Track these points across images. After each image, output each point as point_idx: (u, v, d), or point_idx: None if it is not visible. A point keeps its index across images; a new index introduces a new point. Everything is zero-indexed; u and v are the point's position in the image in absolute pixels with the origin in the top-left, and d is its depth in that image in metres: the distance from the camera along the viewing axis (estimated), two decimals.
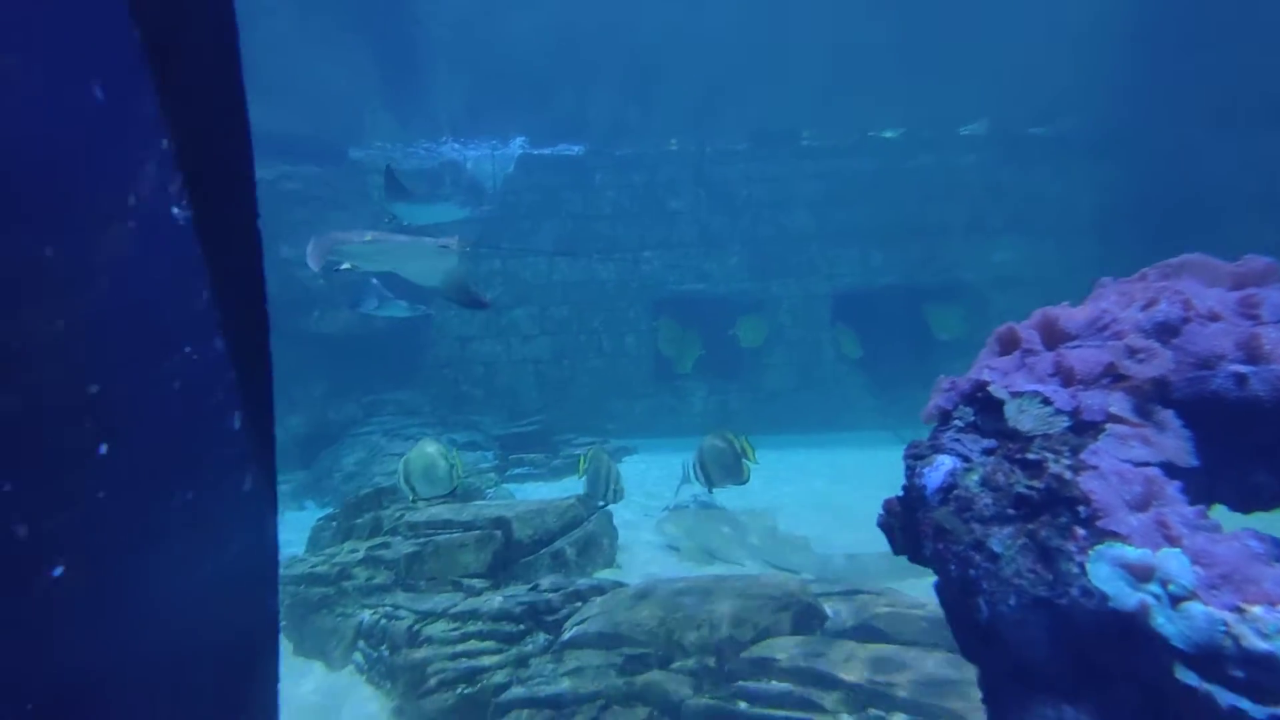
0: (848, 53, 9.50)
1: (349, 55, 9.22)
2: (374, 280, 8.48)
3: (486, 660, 4.25)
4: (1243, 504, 1.59)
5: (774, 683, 3.45)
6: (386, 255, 5.57)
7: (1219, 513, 1.47)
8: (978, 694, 3.29)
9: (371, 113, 10.95)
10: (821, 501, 7.14)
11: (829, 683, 3.35)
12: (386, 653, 4.62)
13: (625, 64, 9.69)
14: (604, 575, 5.26)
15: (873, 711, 3.21)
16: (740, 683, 3.52)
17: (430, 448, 5.74)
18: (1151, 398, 1.43)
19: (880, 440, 9.14)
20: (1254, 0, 8.14)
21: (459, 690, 4.19)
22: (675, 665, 3.77)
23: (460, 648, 4.38)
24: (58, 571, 0.75)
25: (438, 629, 4.51)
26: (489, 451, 9.33)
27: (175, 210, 1.02)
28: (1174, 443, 1.37)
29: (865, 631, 3.67)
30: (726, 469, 6.18)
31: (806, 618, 3.80)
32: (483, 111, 10.99)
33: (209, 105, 1.02)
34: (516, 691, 3.91)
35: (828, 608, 3.91)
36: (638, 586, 4.40)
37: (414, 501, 5.76)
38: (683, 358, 11.22)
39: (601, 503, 6.05)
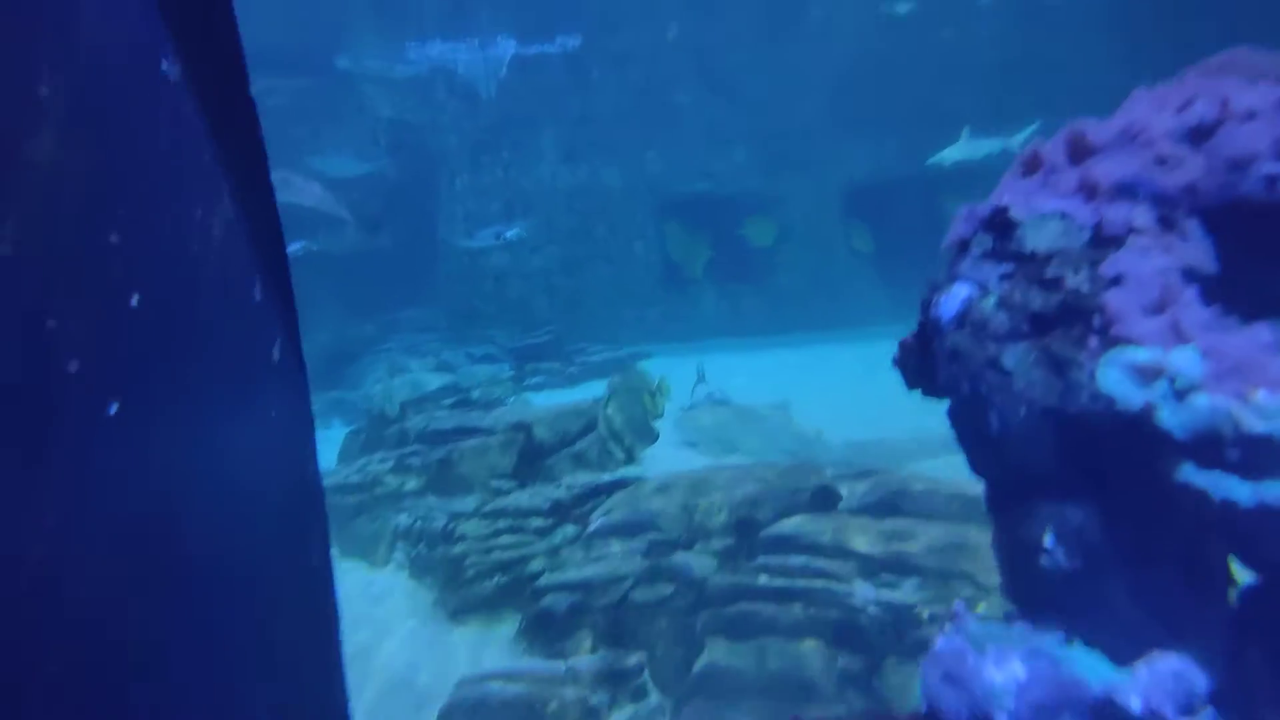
0: None
1: None
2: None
3: (519, 552, 4.48)
4: (1264, 311, 1.55)
5: (791, 557, 3.60)
6: None
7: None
8: (987, 555, 3.40)
9: (354, 17, 10.40)
10: (834, 395, 7.23)
11: (844, 554, 3.49)
12: (425, 550, 4.87)
13: None
14: (626, 472, 5.42)
15: (886, 576, 3.36)
16: (760, 558, 3.68)
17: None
18: (1178, 206, 1.39)
19: (894, 334, 9.10)
20: None
21: (495, 580, 4.44)
22: (698, 547, 3.94)
23: (493, 542, 4.60)
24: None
25: (471, 527, 4.73)
26: (505, 364, 9.45)
27: (164, 66, 1.00)
28: (1196, 249, 1.34)
29: (880, 508, 3.79)
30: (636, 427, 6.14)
31: (823, 497, 3.92)
32: (468, 6, 10.45)
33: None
34: (550, 578, 4.13)
35: (843, 488, 4.02)
36: (659, 478, 4.55)
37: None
38: (692, 262, 11.07)
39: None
